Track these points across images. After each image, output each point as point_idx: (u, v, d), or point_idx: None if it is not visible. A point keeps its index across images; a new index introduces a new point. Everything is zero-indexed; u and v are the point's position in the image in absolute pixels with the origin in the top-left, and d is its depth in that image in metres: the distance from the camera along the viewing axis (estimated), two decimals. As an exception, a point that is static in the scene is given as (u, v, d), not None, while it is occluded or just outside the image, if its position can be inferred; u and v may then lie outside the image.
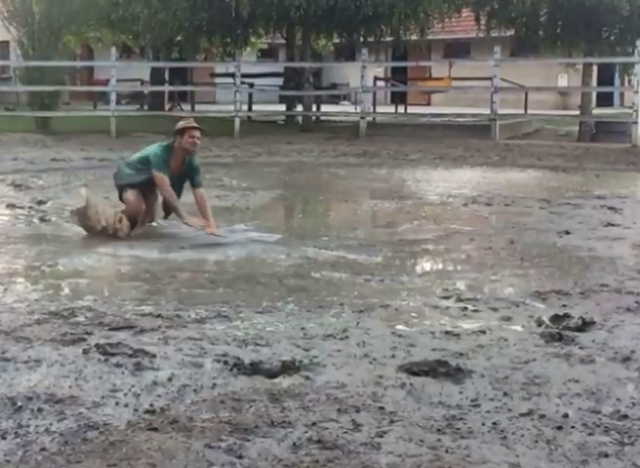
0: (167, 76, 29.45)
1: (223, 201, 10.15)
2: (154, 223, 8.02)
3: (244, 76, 22.29)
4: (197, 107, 27.46)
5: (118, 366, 4.07)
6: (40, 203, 9.56)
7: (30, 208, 9.23)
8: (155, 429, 3.35)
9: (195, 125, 7.69)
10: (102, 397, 3.68)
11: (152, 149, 7.67)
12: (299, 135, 20.64)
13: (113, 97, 20.10)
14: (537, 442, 3.32)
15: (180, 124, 7.70)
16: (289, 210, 10.53)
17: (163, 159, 7.54)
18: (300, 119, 23.83)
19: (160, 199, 7.93)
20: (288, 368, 4.05)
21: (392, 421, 3.48)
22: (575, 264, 6.80)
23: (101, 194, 10.46)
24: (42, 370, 4.02)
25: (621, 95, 30.72)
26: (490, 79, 19.52)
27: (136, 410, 3.54)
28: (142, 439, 3.26)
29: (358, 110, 23.40)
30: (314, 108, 24.36)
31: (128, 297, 5.44)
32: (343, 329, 4.78)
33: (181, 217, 7.44)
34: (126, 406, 3.59)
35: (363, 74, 20.30)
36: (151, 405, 3.60)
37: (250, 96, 25.50)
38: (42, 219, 8.53)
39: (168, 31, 21.93)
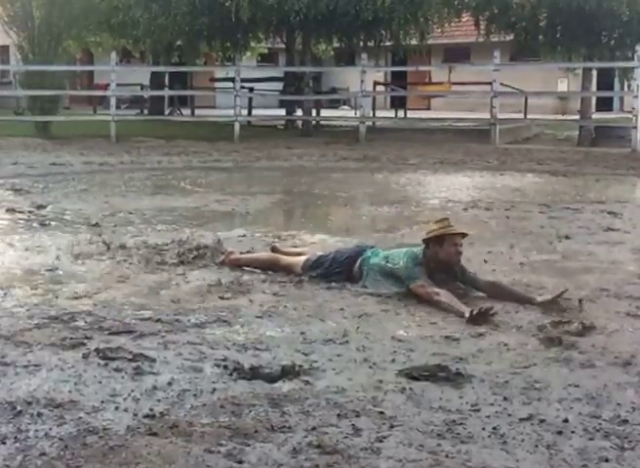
0: (167, 81, 29.48)
1: (223, 205, 10.16)
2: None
3: (244, 81, 22.31)
4: (197, 112, 27.52)
5: (118, 370, 4.07)
6: (40, 207, 9.56)
7: (30, 212, 9.23)
8: (155, 434, 3.34)
9: (457, 230, 5.83)
10: (102, 401, 3.68)
11: (402, 264, 5.73)
12: (298, 139, 20.67)
13: (113, 101, 20.12)
14: (537, 447, 3.32)
15: (435, 228, 5.77)
16: (288, 214, 10.53)
17: (416, 273, 5.64)
18: (299, 123, 23.85)
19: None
20: (288, 372, 4.04)
21: (392, 426, 3.48)
22: (574, 269, 6.79)
23: (101, 199, 10.50)
24: (42, 374, 4.02)
25: (621, 99, 30.78)
26: (489, 84, 19.54)
27: (135, 415, 3.53)
28: (142, 444, 3.26)
29: (358, 115, 23.43)
30: (314, 113, 24.39)
31: (127, 302, 5.43)
32: (343, 333, 4.78)
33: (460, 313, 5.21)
34: (125, 410, 3.59)
35: (363, 79, 20.32)
36: (151, 409, 3.59)
37: (250, 100, 25.54)
38: (42, 224, 8.52)
39: (168, 36, 21.97)
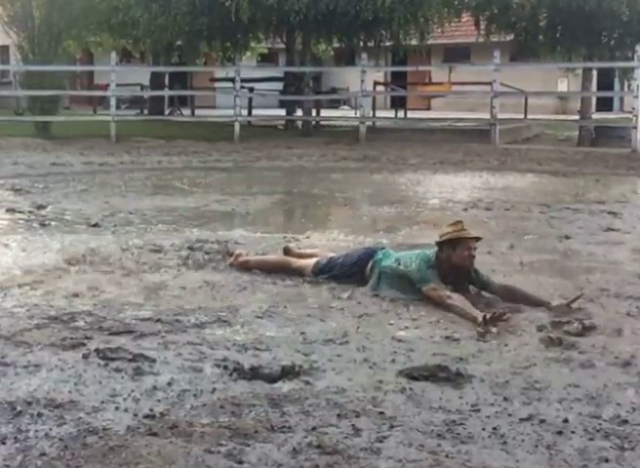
0: (167, 81, 29.48)
1: (223, 205, 10.16)
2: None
3: (244, 81, 22.31)
4: (197, 112, 27.52)
5: (118, 370, 4.07)
6: (40, 207, 9.57)
7: (30, 212, 9.24)
8: (155, 434, 3.34)
9: (471, 234, 5.69)
10: (102, 402, 3.68)
11: (414, 266, 5.65)
12: (298, 139, 20.66)
13: (113, 101, 20.11)
14: (537, 447, 3.32)
15: (448, 231, 5.67)
16: (288, 215, 10.53)
17: (429, 276, 5.56)
18: (299, 124, 23.84)
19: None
20: (288, 372, 4.05)
21: (392, 426, 3.48)
22: (575, 269, 6.79)
23: (101, 199, 10.50)
24: (42, 374, 4.02)
25: (621, 99, 30.76)
26: (490, 84, 19.53)
27: (135, 415, 3.53)
28: (142, 444, 3.26)
29: (358, 115, 23.42)
30: (314, 113, 24.37)
31: (127, 302, 5.43)
32: (343, 333, 4.78)
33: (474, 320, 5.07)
34: (125, 410, 3.59)
35: (363, 79, 20.31)
36: (151, 409, 3.59)
37: (250, 100, 25.54)
38: (42, 224, 8.52)
39: (168, 36, 21.96)
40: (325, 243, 7.60)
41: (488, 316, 4.96)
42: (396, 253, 5.99)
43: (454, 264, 5.59)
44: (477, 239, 5.72)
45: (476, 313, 5.08)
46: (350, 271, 5.98)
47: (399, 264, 5.75)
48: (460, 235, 5.59)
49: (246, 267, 6.41)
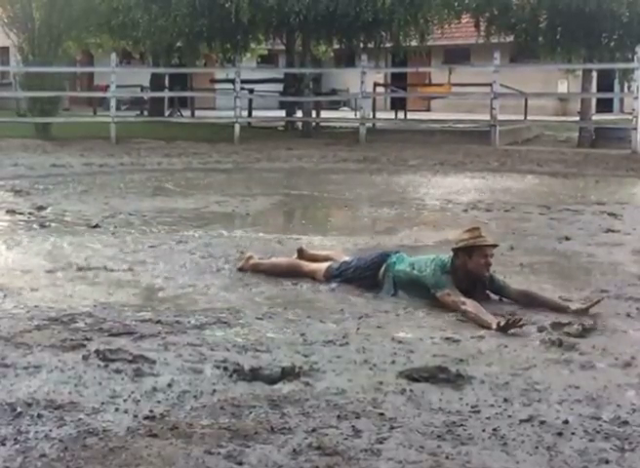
0: (167, 82, 29.48)
1: (223, 207, 10.16)
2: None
3: (244, 82, 22.31)
4: (197, 113, 27.52)
5: (118, 372, 4.07)
6: (40, 209, 9.57)
7: (30, 214, 9.24)
8: (155, 435, 3.34)
9: (489, 241, 5.64)
10: (102, 403, 3.68)
11: (429, 271, 5.59)
12: (298, 140, 20.66)
13: (113, 102, 20.11)
14: (537, 448, 3.32)
15: (466, 238, 5.60)
16: (288, 216, 10.53)
17: (443, 281, 5.50)
18: (299, 125, 23.85)
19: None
20: (288, 374, 4.05)
21: (392, 427, 3.48)
22: (575, 270, 6.80)
23: (101, 200, 10.50)
24: (42, 375, 4.02)
25: (621, 101, 30.76)
26: (489, 85, 19.54)
27: (135, 416, 3.53)
28: (142, 445, 3.25)
29: (358, 116, 23.43)
30: (314, 114, 24.38)
31: (127, 303, 5.43)
32: (343, 335, 4.78)
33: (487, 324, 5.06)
34: (126, 412, 3.59)
35: (363, 80, 20.31)
36: (151, 411, 3.59)
37: (250, 101, 25.55)
38: (42, 225, 8.52)
39: (168, 37, 21.96)
40: (324, 244, 7.60)
41: (502, 323, 4.93)
42: (410, 258, 5.93)
43: (469, 271, 5.53)
44: (494, 246, 5.67)
45: (490, 319, 5.05)
46: (363, 274, 5.93)
47: (413, 269, 5.71)
48: (477, 242, 5.52)
49: (256, 270, 6.37)
